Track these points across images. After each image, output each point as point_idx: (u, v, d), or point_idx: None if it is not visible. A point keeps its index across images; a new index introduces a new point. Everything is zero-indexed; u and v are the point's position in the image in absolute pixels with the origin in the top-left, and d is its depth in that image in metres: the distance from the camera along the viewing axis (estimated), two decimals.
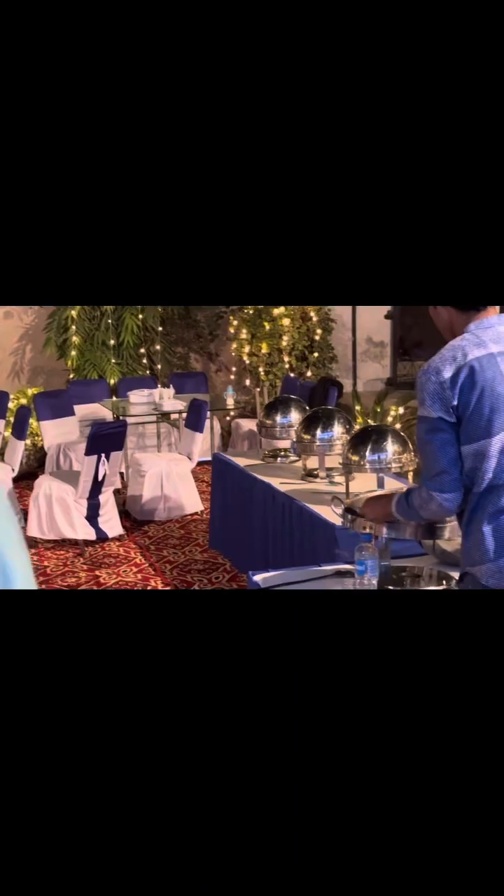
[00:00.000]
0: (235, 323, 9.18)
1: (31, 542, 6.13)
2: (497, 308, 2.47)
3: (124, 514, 6.77)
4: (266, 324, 8.91)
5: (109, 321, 8.70)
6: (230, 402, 7.92)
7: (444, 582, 2.98)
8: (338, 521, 3.60)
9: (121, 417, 7.14)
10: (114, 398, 8.03)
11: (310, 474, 4.83)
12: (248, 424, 7.76)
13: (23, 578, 1.36)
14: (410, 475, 4.11)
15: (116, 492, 6.66)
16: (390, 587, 2.92)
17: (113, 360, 8.70)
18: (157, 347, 9.07)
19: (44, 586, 5.55)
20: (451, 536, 2.91)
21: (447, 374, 2.38)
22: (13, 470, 6.47)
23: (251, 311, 9.05)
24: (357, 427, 4.69)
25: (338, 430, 4.66)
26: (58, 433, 7.37)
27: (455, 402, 2.37)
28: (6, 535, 1.36)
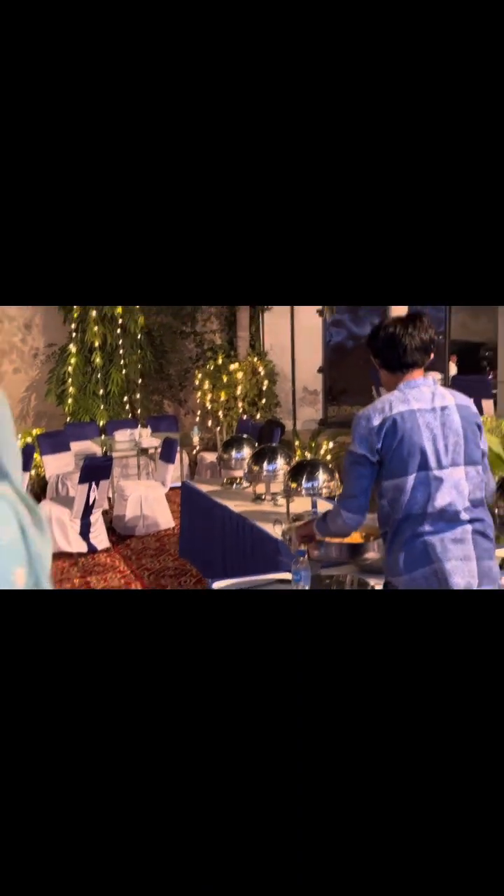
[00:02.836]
0: (200, 376, 9.21)
1: None
2: (422, 370, 2.48)
3: (111, 531, 6.68)
4: (224, 376, 8.94)
5: (99, 375, 8.65)
6: (196, 439, 7.86)
7: (361, 586, 2.91)
8: (279, 536, 3.60)
9: (108, 452, 7.07)
10: (102, 437, 7.94)
11: (258, 498, 4.79)
12: (210, 457, 7.71)
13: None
14: (337, 497, 4.13)
15: (104, 512, 6.59)
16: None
17: (102, 407, 8.64)
18: (138, 396, 9.05)
19: None
20: (366, 555, 2.93)
21: (375, 422, 2.38)
22: None
23: (212, 367, 9.09)
24: (295, 460, 4.67)
25: (280, 462, 4.63)
26: (57, 465, 7.27)
27: (379, 446, 2.37)
28: (44, 562, 1.07)
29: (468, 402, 2.49)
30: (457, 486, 2.37)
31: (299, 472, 4.06)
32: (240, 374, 8.95)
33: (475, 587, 2.33)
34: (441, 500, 2.35)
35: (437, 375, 8.40)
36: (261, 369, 9.13)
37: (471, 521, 2.37)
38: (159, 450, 7.12)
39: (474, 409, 2.48)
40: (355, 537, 2.98)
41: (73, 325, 8.64)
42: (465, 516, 2.36)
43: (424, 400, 2.41)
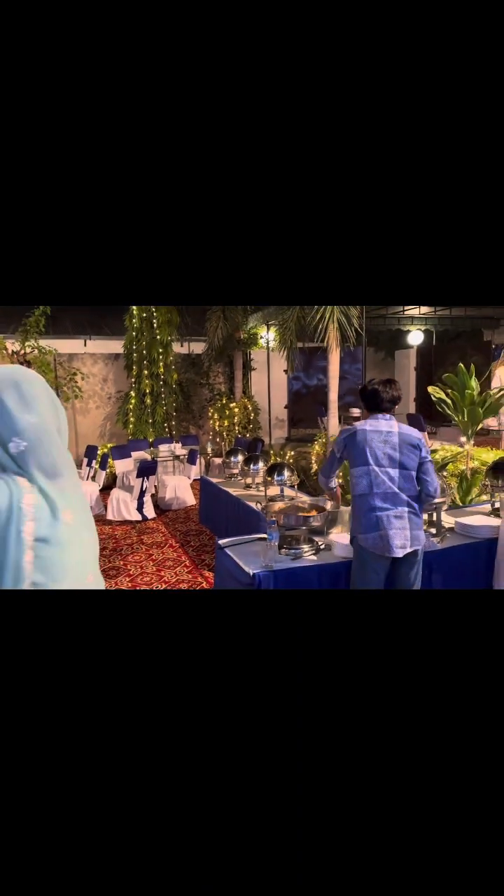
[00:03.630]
0: (211, 411, 9.17)
1: (107, 522, 5.90)
2: (387, 413, 2.51)
3: (156, 506, 6.61)
4: (226, 411, 8.91)
5: (149, 410, 8.60)
6: (209, 449, 7.82)
7: (311, 542, 2.93)
8: (260, 510, 3.59)
9: (154, 458, 7.00)
10: (151, 448, 7.89)
11: (248, 486, 4.78)
12: (218, 461, 7.61)
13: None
14: (296, 486, 4.12)
15: (152, 495, 6.52)
16: (284, 545, 2.88)
17: (151, 429, 8.56)
18: (173, 423, 8.97)
19: (114, 546, 5.22)
20: (313, 524, 2.88)
21: (346, 434, 2.50)
22: (98, 485, 6.32)
23: (219, 405, 9.04)
24: (270, 463, 4.68)
25: (261, 464, 4.64)
26: (123, 466, 7.13)
27: (344, 447, 2.49)
28: (29, 529, 0.78)
29: (411, 431, 2.48)
30: (391, 480, 2.40)
31: (272, 470, 4.10)
32: (236, 409, 8.92)
33: (409, 547, 2.38)
34: (378, 486, 2.39)
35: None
36: (249, 406, 9.10)
37: (407, 504, 2.40)
38: (186, 456, 7.08)
39: (416, 435, 2.46)
40: (308, 511, 2.95)
41: (132, 380, 8.60)
42: (403, 500, 2.40)
43: (380, 427, 2.46)
